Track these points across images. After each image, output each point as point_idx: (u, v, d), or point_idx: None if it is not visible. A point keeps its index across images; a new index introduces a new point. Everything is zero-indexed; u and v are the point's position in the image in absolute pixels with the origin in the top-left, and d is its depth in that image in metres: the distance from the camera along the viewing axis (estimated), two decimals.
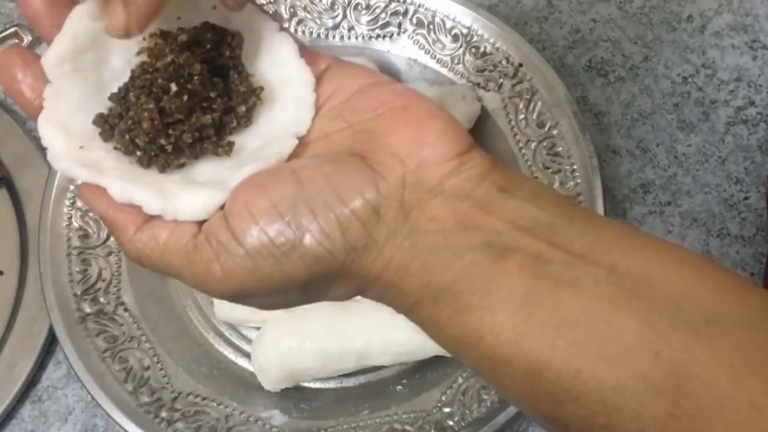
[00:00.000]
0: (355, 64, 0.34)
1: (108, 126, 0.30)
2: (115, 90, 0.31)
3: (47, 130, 0.30)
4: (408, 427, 0.50)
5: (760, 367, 0.25)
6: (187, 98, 0.30)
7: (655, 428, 0.26)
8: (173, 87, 0.30)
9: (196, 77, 0.30)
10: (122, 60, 0.32)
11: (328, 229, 0.28)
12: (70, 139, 0.30)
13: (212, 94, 0.31)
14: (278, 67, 0.32)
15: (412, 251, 0.29)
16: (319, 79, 0.32)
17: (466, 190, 0.29)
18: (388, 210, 0.29)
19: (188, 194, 0.30)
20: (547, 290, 0.27)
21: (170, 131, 0.30)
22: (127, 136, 0.30)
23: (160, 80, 0.30)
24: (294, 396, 0.52)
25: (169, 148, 0.30)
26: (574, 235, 0.28)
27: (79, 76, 0.31)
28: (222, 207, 0.30)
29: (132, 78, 0.31)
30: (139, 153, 0.30)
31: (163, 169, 0.31)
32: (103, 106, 0.31)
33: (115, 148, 0.30)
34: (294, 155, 0.31)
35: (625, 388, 0.26)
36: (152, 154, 0.30)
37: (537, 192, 0.30)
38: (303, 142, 0.32)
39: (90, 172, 0.30)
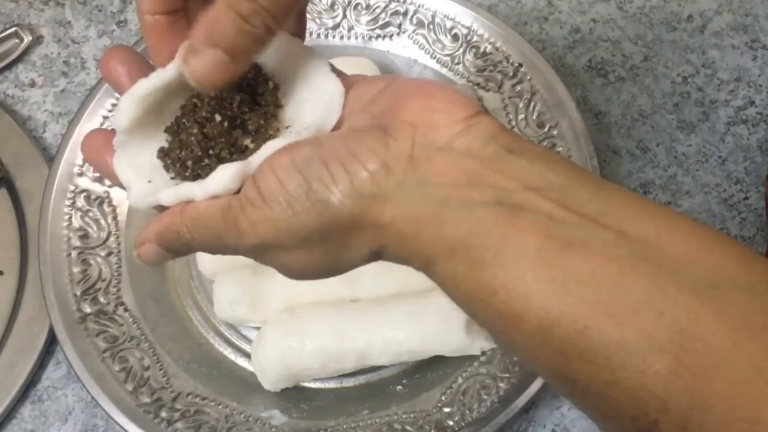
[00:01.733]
0: (381, 76, 0.35)
1: (168, 159, 0.34)
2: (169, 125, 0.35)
3: (122, 172, 0.35)
4: (408, 427, 0.50)
5: (762, 331, 0.26)
6: (227, 123, 0.33)
7: (657, 384, 0.26)
8: (217, 118, 0.33)
9: (235, 105, 0.33)
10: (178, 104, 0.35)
11: (336, 175, 0.30)
12: (140, 176, 0.35)
13: (247, 116, 0.34)
14: (310, 81, 0.35)
15: (423, 201, 0.30)
16: (347, 90, 0.35)
17: (474, 149, 0.30)
18: (397, 164, 0.30)
19: (216, 173, 0.33)
20: (558, 249, 0.28)
21: (211, 151, 0.33)
22: (178, 164, 0.34)
23: (204, 112, 0.33)
24: (294, 396, 0.52)
25: (213, 164, 0.33)
26: (584, 198, 0.29)
27: (142, 125, 0.35)
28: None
29: (182, 112, 0.34)
30: (188, 173, 0.34)
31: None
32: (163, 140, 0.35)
33: (172, 178, 0.34)
34: None
35: (630, 345, 0.27)
36: (197, 172, 0.34)
37: (545, 155, 0.31)
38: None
39: (155, 197, 0.34)
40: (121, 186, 0.35)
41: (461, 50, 0.59)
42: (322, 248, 0.32)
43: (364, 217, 0.30)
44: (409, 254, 0.31)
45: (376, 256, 0.33)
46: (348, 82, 0.35)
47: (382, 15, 0.61)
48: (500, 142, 0.30)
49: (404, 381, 0.53)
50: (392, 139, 0.30)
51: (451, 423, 0.49)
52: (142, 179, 0.34)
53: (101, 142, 0.35)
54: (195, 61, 0.31)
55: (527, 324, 0.28)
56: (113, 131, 0.35)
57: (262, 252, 0.32)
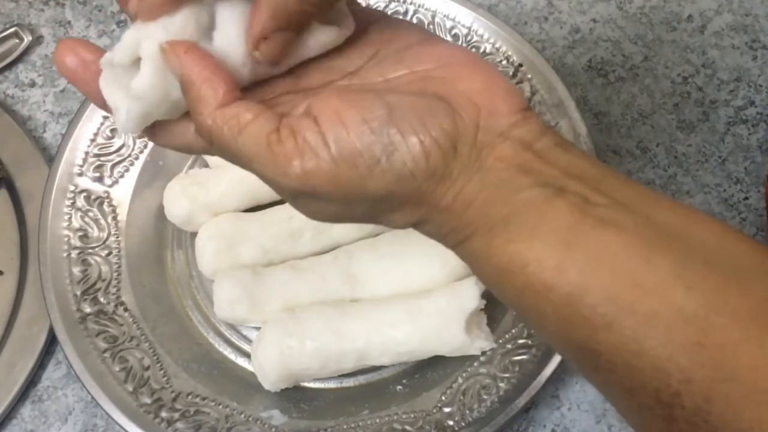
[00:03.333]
0: (406, 20, 0.36)
1: None
2: None
3: (111, 95, 0.32)
4: (408, 427, 0.50)
5: None
6: None
7: (683, 355, 0.27)
8: None
9: None
10: None
11: (414, 151, 0.30)
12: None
13: None
14: None
15: (479, 185, 0.31)
16: (370, 26, 0.34)
17: (528, 140, 0.32)
18: (464, 147, 0.31)
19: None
20: (591, 225, 0.29)
21: None
22: None
23: None
24: (294, 396, 0.52)
25: None
26: (618, 187, 0.31)
27: None
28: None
29: None
30: None
31: None
32: None
33: None
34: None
35: (658, 316, 0.27)
36: None
37: (584, 153, 0.33)
38: (362, 83, 0.33)
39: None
40: (105, 108, 0.33)
41: None
42: (369, 208, 0.32)
43: (429, 195, 0.31)
44: (448, 231, 0.32)
45: (414, 225, 0.33)
46: (367, 15, 0.35)
47: None
48: (549, 138, 0.32)
49: (404, 381, 0.53)
50: (459, 117, 0.31)
51: (451, 423, 0.49)
52: (132, 101, 0.31)
53: (82, 58, 0.33)
54: (267, 48, 0.31)
55: (557, 294, 0.29)
56: (90, 45, 0.33)
57: (299, 195, 0.32)
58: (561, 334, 0.30)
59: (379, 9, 0.36)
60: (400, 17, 0.60)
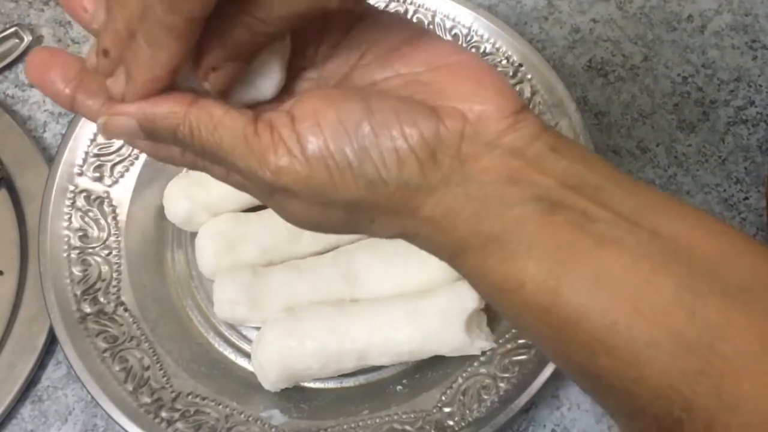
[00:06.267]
0: (393, 13, 0.34)
1: None
2: None
3: None
4: (408, 427, 0.50)
5: None
6: None
7: (684, 383, 0.26)
8: None
9: None
10: None
11: (387, 158, 0.29)
12: None
13: None
14: None
15: (464, 198, 0.30)
16: (355, 26, 0.33)
17: (519, 147, 0.30)
18: (445, 158, 0.30)
19: None
20: (591, 245, 0.28)
21: None
22: None
23: None
24: (294, 396, 0.52)
25: None
26: (620, 197, 0.29)
27: None
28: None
29: None
30: None
31: None
32: None
33: None
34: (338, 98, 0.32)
35: (659, 343, 0.26)
36: None
37: (586, 155, 0.31)
38: (347, 86, 0.32)
39: None
40: (85, 114, 0.33)
41: None
42: (345, 215, 0.31)
43: (404, 206, 0.30)
44: (439, 246, 0.31)
45: (400, 237, 0.32)
46: (353, 13, 0.33)
47: None
48: (544, 141, 0.30)
49: (404, 381, 0.53)
50: (442, 125, 0.30)
51: (451, 423, 0.49)
52: None
53: (53, 63, 0.32)
54: (217, 79, 0.30)
55: (554, 317, 0.28)
56: (63, 52, 0.33)
57: (273, 192, 0.31)
58: (560, 355, 0.30)
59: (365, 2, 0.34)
60: None
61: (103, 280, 0.54)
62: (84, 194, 0.56)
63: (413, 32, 0.33)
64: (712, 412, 0.26)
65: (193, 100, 0.30)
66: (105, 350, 0.51)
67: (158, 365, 0.52)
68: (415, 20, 0.60)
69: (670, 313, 0.27)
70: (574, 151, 0.31)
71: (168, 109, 0.30)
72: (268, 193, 0.31)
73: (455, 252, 0.31)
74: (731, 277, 0.27)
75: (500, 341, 0.52)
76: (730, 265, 0.28)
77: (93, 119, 0.32)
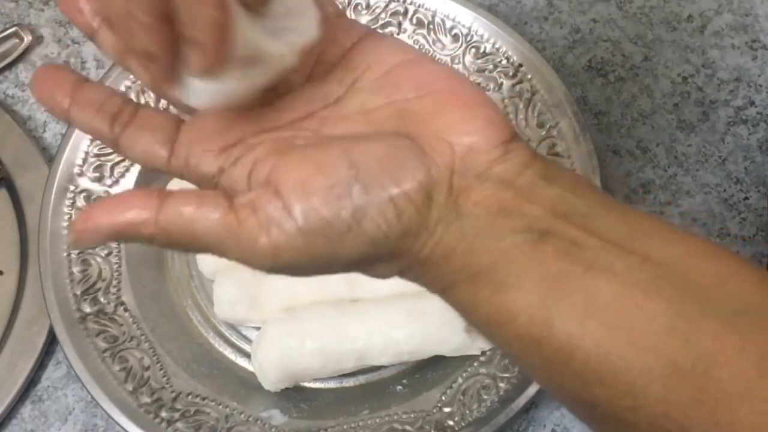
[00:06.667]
0: (392, 38, 0.34)
1: None
2: None
3: None
4: (408, 427, 0.50)
5: None
6: None
7: (679, 411, 0.26)
8: None
9: None
10: None
11: (386, 213, 0.29)
12: None
13: None
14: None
15: (458, 235, 0.29)
16: (353, 48, 0.32)
17: (509, 178, 0.29)
18: (439, 196, 0.29)
19: None
20: (580, 273, 0.28)
21: None
22: None
23: None
24: (294, 396, 0.52)
25: None
26: (610, 223, 0.29)
27: None
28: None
29: None
30: None
31: None
32: None
33: None
34: (332, 129, 0.31)
35: (653, 371, 0.26)
36: None
37: (575, 182, 0.30)
38: (341, 115, 0.32)
39: None
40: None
41: (461, 50, 0.59)
42: (347, 267, 0.31)
43: (405, 251, 0.30)
44: (431, 279, 0.31)
45: (396, 275, 0.32)
46: (351, 33, 0.33)
47: (382, 15, 0.61)
48: (534, 170, 0.30)
49: (404, 381, 0.53)
50: (432, 163, 0.29)
51: (451, 423, 0.49)
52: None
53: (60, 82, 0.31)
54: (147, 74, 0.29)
55: (547, 348, 0.28)
56: (68, 69, 0.32)
57: (280, 270, 0.30)
58: (553, 385, 0.29)
59: (363, 25, 0.33)
60: (400, 17, 0.60)
61: (103, 280, 0.54)
62: (84, 194, 0.56)
63: (409, 56, 0.32)
64: None
65: (159, 198, 0.29)
66: (105, 350, 0.51)
67: (158, 365, 0.52)
68: (414, 20, 0.60)
69: (664, 340, 0.26)
70: (564, 178, 0.30)
71: (134, 218, 0.29)
72: (268, 270, 0.31)
73: (447, 285, 0.31)
74: (724, 300, 0.27)
75: None
76: (722, 288, 0.27)
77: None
